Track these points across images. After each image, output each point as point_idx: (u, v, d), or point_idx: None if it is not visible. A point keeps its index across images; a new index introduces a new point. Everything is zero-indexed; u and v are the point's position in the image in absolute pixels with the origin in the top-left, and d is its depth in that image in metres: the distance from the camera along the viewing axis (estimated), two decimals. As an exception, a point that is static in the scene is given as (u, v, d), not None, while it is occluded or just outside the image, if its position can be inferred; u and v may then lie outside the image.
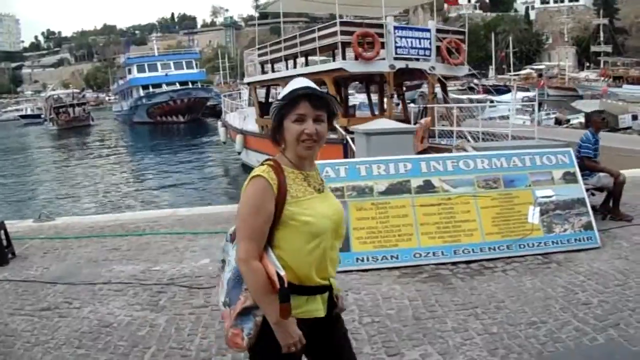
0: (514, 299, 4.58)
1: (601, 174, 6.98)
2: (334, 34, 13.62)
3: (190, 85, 56.63)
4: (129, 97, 60.09)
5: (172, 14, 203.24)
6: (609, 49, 72.73)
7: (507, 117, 23.94)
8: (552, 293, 4.64)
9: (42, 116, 70.13)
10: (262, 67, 19.46)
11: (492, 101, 29.08)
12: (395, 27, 13.64)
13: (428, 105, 14.14)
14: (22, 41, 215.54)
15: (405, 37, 13.61)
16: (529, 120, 24.41)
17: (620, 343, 3.71)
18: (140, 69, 58.23)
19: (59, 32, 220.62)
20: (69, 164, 32.22)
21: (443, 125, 13.68)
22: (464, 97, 31.12)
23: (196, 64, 61.65)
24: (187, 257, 6.57)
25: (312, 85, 2.08)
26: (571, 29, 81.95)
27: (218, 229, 7.81)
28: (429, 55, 14.16)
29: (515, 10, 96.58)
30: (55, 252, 7.14)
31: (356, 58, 13.43)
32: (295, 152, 2.08)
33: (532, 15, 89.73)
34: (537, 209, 5.85)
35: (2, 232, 7.08)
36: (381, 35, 13.48)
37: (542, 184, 6.07)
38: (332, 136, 13.13)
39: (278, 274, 1.94)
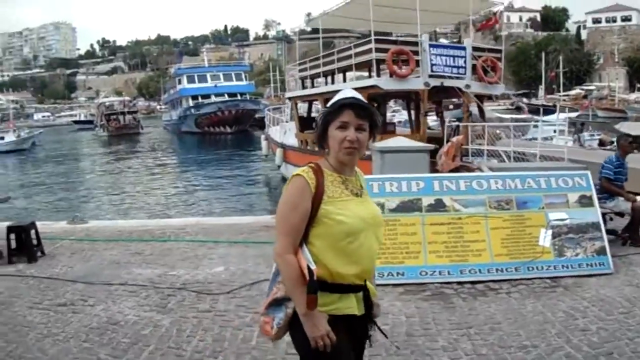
0: (511, 321, 4.56)
1: (620, 198, 6.83)
2: (369, 51, 13.77)
3: (239, 97, 57.48)
4: (179, 106, 61.57)
5: (225, 26, 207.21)
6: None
7: (551, 138, 23.55)
8: (551, 317, 4.60)
9: (94, 122, 72.37)
10: (302, 82, 19.74)
11: (536, 121, 28.53)
12: (431, 45, 13.66)
13: (461, 124, 14.01)
14: (78, 49, 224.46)
15: (441, 55, 13.61)
16: (571, 141, 23.89)
17: (608, 372, 3.67)
18: (190, 80, 59.67)
19: (114, 41, 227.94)
20: (115, 169, 33.44)
21: (478, 144, 13.56)
22: (508, 116, 30.59)
23: (245, 76, 62.65)
24: (204, 264, 6.82)
25: (358, 96, 2.23)
26: (623, 49, 79.48)
27: (239, 239, 8.10)
28: (464, 73, 14.07)
29: (567, 30, 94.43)
30: (82, 253, 7.58)
31: (391, 75, 13.49)
32: (336, 157, 2.21)
33: (584, 34, 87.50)
34: (549, 231, 5.80)
35: (33, 232, 7.57)
36: (416, 52, 13.53)
37: (556, 207, 6.01)
38: (366, 152, 13.20)
39: (308, 267, 2.07)
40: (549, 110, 38.13)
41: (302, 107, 20.75)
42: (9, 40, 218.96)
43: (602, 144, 23.53)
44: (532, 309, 4.80)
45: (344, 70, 15.49)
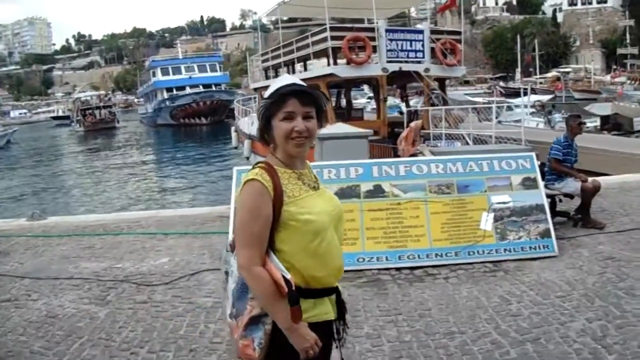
0: (442, 307, 4.45)
1: (569, 178, 6.74)
2: (325, 39, 13.57)
3: (214, 88, 57.15)
4: (154, 99, 61.15)
5: (202, 17, 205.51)
6: (635, 50, 70.95)
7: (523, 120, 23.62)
8: (484, 303, 4.49)
9: (70, 118, 71.67)
10: (266, 73, 19.52)
11: (500, 103, 28.50)
12: (387, 30, 13.51)
13: (419, 108, 13.94)
14: (54, 44, 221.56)
15: (398, 40, 13.49)
16: (542, 123, 24.01)
17: (531, 358, 3.56)
18: (165, 72, 59.30)
19: (90, 35, 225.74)
20: (88, 165, 33.16)
21: (439, 128, 13.48)
22: (479, 99, 30.66)
23: (220, 67, 62.25)
24: (150, 256, 6.80)
25: (299, 82, 2.04)
26: (599, 31, 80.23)
27: (189, 230, 8.06)
28: (423, 57, 13.97)
29: (543, 13, 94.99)
30: (35, 249, 7.48)
31: (348, 63, 13.33)
32: (285, 151, 2.03)
33: (560, 17, 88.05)
34: (491, 215, 5.69)
35: None
36: (373, 39, 13.35)
37: (499, 190, 5.89)
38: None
39: (284, 277, 1.90)
40: (525, 93, 38.39)
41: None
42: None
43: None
44: (467, 294, 4.69)
45: (304, 59, 15.30)
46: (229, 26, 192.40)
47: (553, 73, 66.67)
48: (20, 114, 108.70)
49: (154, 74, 60.51)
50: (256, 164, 2.06)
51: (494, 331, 3.95)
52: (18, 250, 7.47)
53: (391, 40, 13.42)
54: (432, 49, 14.19)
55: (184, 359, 3.98)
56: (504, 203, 5.78)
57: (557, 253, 5.62)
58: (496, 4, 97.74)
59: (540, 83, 58.46)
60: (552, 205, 6.90)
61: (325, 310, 2.04)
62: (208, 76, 58.98)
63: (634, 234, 6.20)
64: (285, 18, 20.87)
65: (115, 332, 4.47)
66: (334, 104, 21.92)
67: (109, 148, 42.68)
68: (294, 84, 2.01)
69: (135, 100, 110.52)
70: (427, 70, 13.93)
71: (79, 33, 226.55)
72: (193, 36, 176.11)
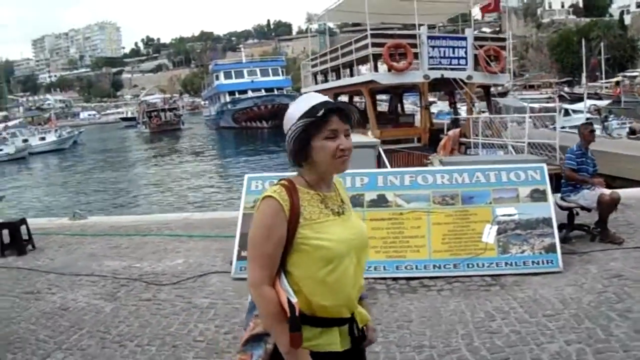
0: (424, 319, 4.43)
1: (585, 190, 6.48)
2: (366, 46, 13.61)
3: (275, 92, 57.85)
4: (217, 102, 62.56)
5: (268, 21, 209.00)
6: None
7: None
8: (467, 317, 4.44)
9: (136, 119, 74.35)
10: (315, 78, 19.73)
11: (567, 110, 27.64)
12: (429, 37, 13.39)
13: (460, 117, 13.73)
14: (123, 47, 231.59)
15: (440, 47, 13.34)
16: (599, 129, 23.01)
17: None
18: (227, 76, 60.61)
19: (158, 39, 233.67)
20: (150, 165, 34.65)
21: (484, 137, 13.22)
22: (537, 105, 29.69)
23: (282, 71, 63.02)
24: (168, 257, 7.20)
25: (328, 99, 2.00)
26: (667, 34, 76.05)
27: (211, 233, 8.39)
28: (465, 64, 13.75)
29: (610, 15, 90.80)
30: (68, 247, 8.14)
31: (389, 70, 13.32)
32: (327, 170, 1.97)
33: (627, 19, 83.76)
34: (494, 227, 5.58)
35: (24, 228, 8.21)
36: (414, 45, 13.28)
37: (505, 202, 5.76)
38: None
39: (289, 301, 1.83)
40: (590, 99, 36.83)
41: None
42: (55, 42, 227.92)
43: (632, 132, 22.54)
44: (454, 308, 4.64)
45: (349, 65, 15.36)
46: (295, 30, 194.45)
47: (619, 78, 63.83)
48: (90, 115, 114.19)
49: (217, 78, 61.95)
50: (279, 180, 1.99)
51: (465, 347, 3.91)
52: (53, 247, 8.17)
53: (433, 47, 13.31)
54: (476, 56, 13.92)
55: (164, 354, 4.23)
56: (509, 215, 5.65)
57: (562, 269, 5.43)
58: (562, 6, 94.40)
59: (606, 88, 55.92)
60: (570, 217, 6.71)
61: (331, 340, 1.94)
62: (270, 80, 59.82)
63: None
64: (337, 23, 21.07)
65: (114, 326, 4.83)
66: (387, 110, 21.95)
67: (172, 150, 44.24)
68: (332, 102, 1.95)
69: (202, 102, 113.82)
70: (469, 77, 13.72)
71: (147, 37, 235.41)
72: (260, 40, 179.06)
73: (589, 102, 26.93)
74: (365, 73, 15.19)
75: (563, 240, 6.32)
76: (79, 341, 4.56)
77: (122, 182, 27.56)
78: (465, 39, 14.00)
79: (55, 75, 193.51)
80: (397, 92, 18.38)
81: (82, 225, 9.83)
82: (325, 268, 1.87)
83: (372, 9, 14.33)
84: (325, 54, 17.72)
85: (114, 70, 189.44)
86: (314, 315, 1.90)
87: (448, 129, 13.02)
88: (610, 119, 23.35)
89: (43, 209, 19.97)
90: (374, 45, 13.39)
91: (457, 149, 11.78)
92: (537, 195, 5.82)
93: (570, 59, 77.94)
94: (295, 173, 2.05)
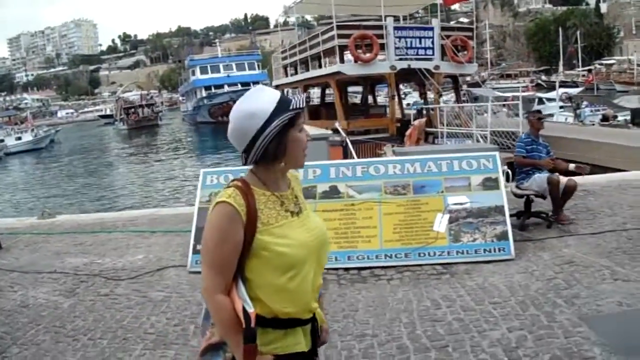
0: (370, 309, 4.46)
1: (535, 175, 6.52)
2: (332, 38, 13.60)
3: (251, 86, 57.64)
4: (193, 97, 62.31)
5: (245, 15, 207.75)
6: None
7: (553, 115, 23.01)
8: (413, 306, 4.46)
9: (113, 116, 73.87)
10: (285, 70, 19.70)
11: (541, 99, 27.89)
12: (395, 28, 13.41)
13: (424, 107, 13.79)
14: (100, 45, 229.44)
15: (406, 37, 13.36)
16: (572, 117, 23.34)
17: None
18: (203, 71, 60.46)
19: (135, 35, 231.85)
20: (126, 162, 34.58)
21: (453, 127, 13.28)
22: (510, 94, 29.95)
23: (258, 65, 62.89)
24: (129, 252, 7.21)
25: (276, 91, 1.91)
26: (643, 21, 77.09)
27: (175, 228, 8.32)
28: (433, 54, 13.80)
29: (587, 4, 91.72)
30: (34, 246, 8.09)
31: (356, 61, 13.32)
32: (295, 165, 1.92)
33: (603, 8, 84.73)
34: (446, 216, 5.61)
35: None
36: (381, 36, 13.28)
37: (456, 190, 5.79)
38: (336, 138, 13.18)
39: (244, 310, 1.74)
40: (567, 87, 37.29)
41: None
42: (32, 40, 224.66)
43: (605, 119, 22.84)
44: (401, 297, 4.66)
45: (318, 57, 15.35)
46: (272, 23, 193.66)
47: (597, 66, 64.65)
48: (67, 113, 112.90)
49: (193, 73, 61.76)
50: (231, 181, 1.88)
51: (406, 336, 3.93)
52: (19, 247, 8.10)
53: (400, 37, 13.32)
54: (443, 46, 13.97)
55: (115, 347, 4.29)
56: (460, 204, 5.68)
57: (514, 256, 5.46)
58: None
59: (583, 76, 56.62)
60: (527, 205, 6.76)
61: (296, 341, 1.88)
62: (246, 74, 59.71)
63: (609, 236, 5.94)
64: (314, 16, 21.17)
65: (70, 321, 4.92)
66: (361, 101, 22.02)
67: (149, 146, 44.15)
68: (288, 96, 1.91)
69: (180, 98, 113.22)
70: (437, 67, 13.79)
71: (124, 33, 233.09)
72: (237, 34, 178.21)
73: (561, 91, 27.22)
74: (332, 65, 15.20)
75: (520, 228, 6.44)
76: (35, 336, 4.63)
77: (97, 180, 27.40)
78: (432, 29, 14.05)
79: (32, 74, 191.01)
80: (367, 84, 18.41)
81: (50, 224, 9.73)
82: (286, 274, 1.79)
83: (341, 0, 14.33)
84: (294, 47, 17.73)
85: (92, 67, 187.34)
86: (275, 317, 1.82)
87: (414, 119, 13.06)
88: (582, 107, 23.63)
89: (16, 209, 19.76)
90: (340, 36, 13.42)
91: (424, 139, 11.82)
92: (489, 184, 5.85)
93: (547, 47, 78.87)
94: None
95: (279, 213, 1.85)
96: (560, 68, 67.27)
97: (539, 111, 7.15)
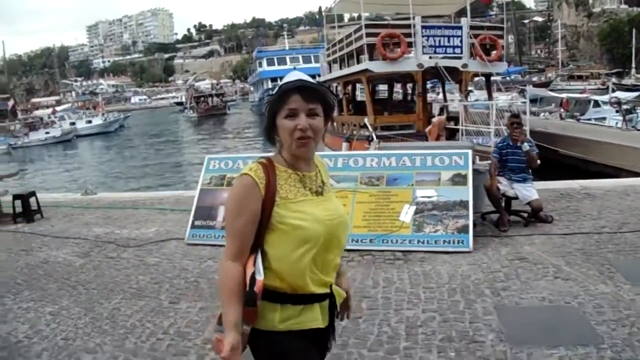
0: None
1: (499, 178, 6.75)
2: (361, 37, 14.08)
3: (317, 78, 58.31)
4: (261, 88, 63.71)
5: (320, 8, 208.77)
6: None
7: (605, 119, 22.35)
8: (355, 284, 4.92)
9: (183, 104, 76.61)
10: (330, 66, 20.28)
11: (597, 101, 27.00)
12: (423, 27, 13.68)
13: (445, 104, 14.04)
14: (176, 34, 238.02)
15: (434, 36, 13.63)
16: (620, 121, 22.59)
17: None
18: (270, 62, 61.61)
19: (210, 25, 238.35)
20: (187, 147, 36.34)
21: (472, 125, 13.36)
22: (564, 96, 29.16)
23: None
24: (146, 226, 8.18)
25: (305, 77, 1.94)
26: None
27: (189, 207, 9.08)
28: (461, 53, 14.01)
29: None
30: (70, 217, 9.31)
31: (383, 59, 13.75)
32: (289, 151, 1.92)
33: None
34: (412, 208, 6.04)
35: (33, 200, 9.47)
36: (409, 35, 13.63)
37: (426, 184, 6.21)
38: (365, 133, 13.72)
39: (252, 276, 1.84)
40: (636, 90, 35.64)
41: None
42: (109, 28, 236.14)
43: (657, 124, 21.86)
44: (349, 276, 5.04)
45: (357, 54, 15.87)
46: (347, 17, 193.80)
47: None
48: (140, 100, 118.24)
49: (260, 64, 62.97)
50: (259, 158, 1.98)
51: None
52: (57, 217, 9.38)
53: (428, 36, 13.62)
54: (473, 45, 14.15)
55: (100, 295, 5.25)
56: (428, 197, 6.09)
57: (471, 249, 5.77)
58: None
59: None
60: (507, 203, 6.94)
61: (313, 317, 1.93)
62: (312, 67, 60.31)
63: (579, 237, 6.08)
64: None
65: (75, 275, 5.92)
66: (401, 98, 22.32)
67: (215, 133, 46.08)
68: (299, 80, 1.90)
69: (251, 88, 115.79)
70: (465, 65, 13.94)
71: (200, 23, 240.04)
72: (311, 27, 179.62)
73: (618, 94, 26.27)
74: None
75: (496, 225, 6.73)
76: (45, 285, 5.65)
77: (155, 162, 29.04)
78: (460, 27, 14.20)
79: (108, 61, 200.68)
80: (404, 82, 18.76)
81: (90, 200, 10.91)
82: (300, 248, 1.85)
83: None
84: (335, 44, 18.27)
85: (166, 56, 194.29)
86: (294, 292, 1.89)
87: (438, 116, 13.38)
88: (635, 111, 22.76)
89: (71, 185, 21.48)
90: (368, 35, 13.83)
91: (444, 136, 12.12)
92: (458, 179, 6.21)
93: (620, 49, 75.33)
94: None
95: (298, 190, 1.92)
96: (633, 70, 64.31)
97: (514, 115, 7.19)
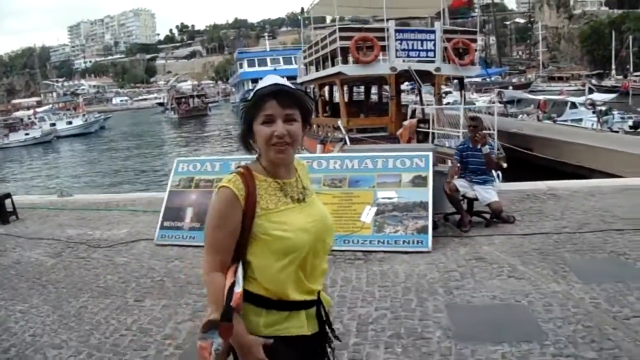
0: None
1: (460, 180, 7.00)
2: (335, 40, 14.33)
3: (298, 80, 58.50)
4: (242, 89, 63.71)
5: (302, 8, 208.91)
6: None
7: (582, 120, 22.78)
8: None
9: (164, 105, 76.49)
10: (306, 68, 20.50)
11: (574, 103, 27.47)
12: (397, 30, 13.95)
13: (417, 107, 14.35)
14: (157, 34, 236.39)
15: (407, 40, 13.90)
16: (595, 122, 23.07)
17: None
18: (250, 64, 61.68)
19: (192, 26, 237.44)
20: (165, 148, 36.36)
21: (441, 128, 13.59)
22: (541, 97, 29.69)
23: (305, 59, 63.64)
24: (117, 227, 8.30)
25: (282, 81, 1.86)
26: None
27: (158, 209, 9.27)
28: (434, 57, 14.31)
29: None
30: (45, 219, 9.36)
31: (356, 62, 14.00)
32: (266, 158, 1.89)
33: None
34: (373, 209, 6.25)
35: (9, 201, 9.49)
36: (382, 39, 13.88)
37: (387, 186, 6.42)
38: (339, 135, 13.96)
39: (230, 289, 1.80)
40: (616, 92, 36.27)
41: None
42: (91, 28, 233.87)
43: (636, 126, 22.36)
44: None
45: (332, 57, 16.10)
46: (329, 18, 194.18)
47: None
48: (122, 100, 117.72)
49: (240, 66, 63.02)
50: (237, 167, 1.95)
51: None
52: (32, 218, 9.43)
53: (401, 40, 13.89)
54: (446, 49, 14.44)
55: (69, 294, 5.45)
56: (388, 198, 6.30)
57: (430, 249, 5.94)
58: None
59: (634, 81, 54.91)
60: (470, 204, 7.19)
61: (298, 324, 1.91)
62: (293, 68, 60.47)
63: (538, 238, 6.24)
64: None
65: (46, 275, 6.10)
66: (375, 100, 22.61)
67: (195, 134, 46.19)
68: (273, 84, 1.83)
69: (232, 89, 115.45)
70: (437, 69, 14.23)
71: (182, 23, 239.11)
72: (293, 27, 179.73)
73: (599, 96, 26.82)
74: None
75: (457, 225, 6.94)
76: (16, 284, 5.85)
77: (133, 163, 29.09)
78: (433, 32, 14.49)
79: (90, 61, 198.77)
80: (379, 84, 19.05)
81: (65, 201, 10.94)
82: (285, 258, 1.83)
83: (334, 2, 15.15)
84: (311, 47, 18.51)
85: (148, 56, 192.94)
86: (280, 299, 1.87)
87: (408, 119, 13.62)
88: (611, 113, 23.19)
89: (49, 186, 21.47)
90: (342, 38, 14.09)
91: (415, 139, 12.37)
92: (418, 181, 6.42)
93: (600, 51, 76.74)
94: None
95: (279, 199, 1.89)
96: (613, 72, 65.52)
97: (473, 118, 7.37)
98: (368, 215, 6.22)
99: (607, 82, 58.20)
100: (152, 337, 4.26)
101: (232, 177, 1.87)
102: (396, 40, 13.79)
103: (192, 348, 4.03)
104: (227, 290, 1.78)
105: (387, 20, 14.41)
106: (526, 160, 15.06)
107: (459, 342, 3.84)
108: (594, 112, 22.81)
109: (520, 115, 26.27)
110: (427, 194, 6.34)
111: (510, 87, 44.99)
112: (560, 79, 70.54)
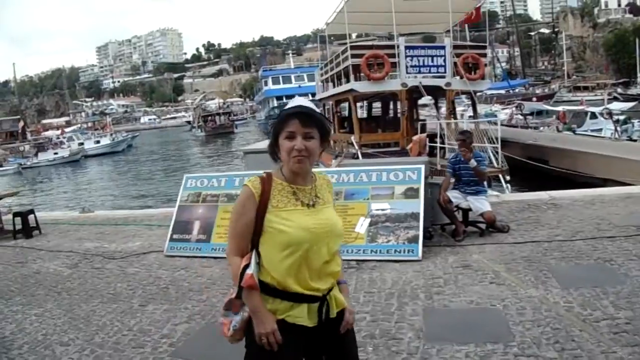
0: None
1: (453, 192, 7.25)
2: (346, 58, 14.74)
3: (316, 97, 58.92)
4: (266, 106, 64.47)
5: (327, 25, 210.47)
6: None
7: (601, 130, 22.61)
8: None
9: (191, 123, 77.46)
10: (323, 85, 20.94)
11: (594, 113, 27.31)
12: (407, 47, 14.27)
13: (427, 122, 14.61)
14: (185, 53, 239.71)
15: (417, 56, 14.23)
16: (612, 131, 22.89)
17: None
18: (275, 81, 62.21)
19: (219, 44, 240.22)
20: (190, 166, 37.03)
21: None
22: (560, 108, 29.51)
23: (330, 76, 64.09)
24: (132, 240, 8.78)
25: (306, 104, 2.24)
26: None
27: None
28: (444, 72, 14.59)
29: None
30: (65, 233, 9.93)
31: (368, 79, 14.38)
32: (287, 167, 2.24)
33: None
34: (367, 220, 6.54)
35: (32, 217, 10.08)
36: (393, 55, 14.23)
37: (381, 198, 6.71)
38: (352, 150, 14.33)
39: (243, 270, 2.17)
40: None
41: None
42: (119, 48, 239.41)
43: (653, 135, 22.11)
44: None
45: (345, 74, 16.52)
46: (354, 35, 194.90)
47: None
48: (150, 119, 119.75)
49: (265, 83, 63.74)
50: (264, 172, 2.32)
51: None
52: (54, 233, 10.02)
53: (412, 56, 14.23)
54: (456, 64, 14.71)
55: (81, 300, 5.89)
56: (382, 210, 6.60)
57: (421, 257, 6.17)
58: (619, 5, 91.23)
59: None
60: (465, 214, 7.44)
61: (299, 314, 2.20)
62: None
63: (529, 246, 6.36)
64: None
65: (62, 283, 6.56)
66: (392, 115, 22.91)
67: (221, 151, 46.94)
68: (297, 106, 2.21)
69: (259, 107, 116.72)
70: (448, 84, 14.51)
71: (208, 42, 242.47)
72: (319, 44, 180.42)
73: (618, 105, 26.53)
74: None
75: (452, 235, 7.16)
76: (34, 292, 6.33)
77: (157, 180, 29.88)
78: (443, 47, 14.79)
79: (118, 81, 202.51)
80: (394, 100, 19.35)
81: (87, 217, 11.52)
82: (284, 251, 2.16)
83: (345, 19, 15.56)
84: (327, 64, 18.96)
85: (176, 75, 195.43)
86: (284, 289, 2.19)
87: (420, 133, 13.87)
88: (630, 121, 22.98)
89: (74, 203, 22.29)
90: (353, 56, 14.50)
91: (425, 153, 12.60)
92: (410, 193, 6.70)
93: (626, 59, 75.63)
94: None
95: (289, 200, 2.24)
96: (638, 79, 64.57)
97: (466, 131, 7.57)
98: (362, 226, 6.51)
99: (633, 91, 57.24)
100: (150, 337, 4.66)
101: (254, 178, 2.27)
102: (406, 56, 14.12)
103: (184, 345, 4.48)
104: (240, 272, 2.15)
105: (399, 36, 14.74)
106: (542, 171, 15.10)
107: (427, 342, 4.03)
108: (615, 122, 22.67)
109: (541, 127, 26.22)
110: (418, 205, 6.59)
111: (534, 99, 44.74)
112: (585, 88, 69.68)
